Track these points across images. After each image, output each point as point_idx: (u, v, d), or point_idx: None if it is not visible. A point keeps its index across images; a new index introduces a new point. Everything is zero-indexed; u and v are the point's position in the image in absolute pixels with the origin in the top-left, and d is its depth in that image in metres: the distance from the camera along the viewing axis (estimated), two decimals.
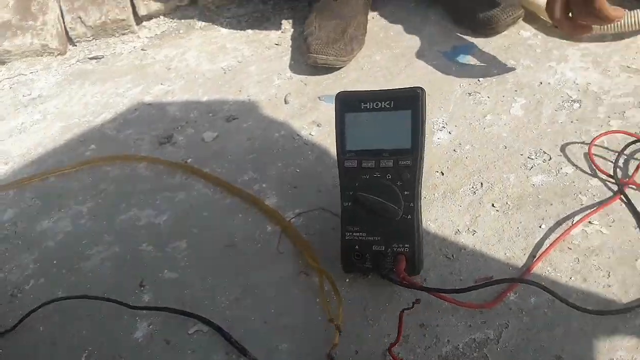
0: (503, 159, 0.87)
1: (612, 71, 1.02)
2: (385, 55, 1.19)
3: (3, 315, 0.75)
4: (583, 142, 0.87)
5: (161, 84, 1.24)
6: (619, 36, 1.08)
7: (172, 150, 1.03)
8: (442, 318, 0.66)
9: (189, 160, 1.00)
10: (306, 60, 1.16)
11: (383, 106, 0.65)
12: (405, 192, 0.65)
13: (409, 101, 0.64)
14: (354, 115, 0.67)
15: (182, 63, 1.30)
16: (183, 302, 0.73)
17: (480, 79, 1.07)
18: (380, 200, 0.65)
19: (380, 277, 0.68)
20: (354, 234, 0.68)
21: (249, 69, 1.24)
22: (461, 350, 0.62)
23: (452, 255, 0.73)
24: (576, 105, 0.96)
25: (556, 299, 0.64)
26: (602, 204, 0.76)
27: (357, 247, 0.69)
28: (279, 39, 1.32)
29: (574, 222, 0.74)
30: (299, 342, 0.66)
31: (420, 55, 1.17)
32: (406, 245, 0.67)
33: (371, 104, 0.65)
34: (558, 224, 0.75)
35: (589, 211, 0.75)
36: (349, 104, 0.67)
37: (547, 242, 0.72)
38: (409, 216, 0.66)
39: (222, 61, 1.28)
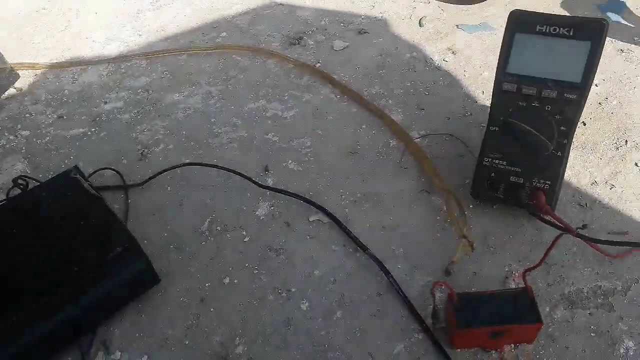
0: None
1: None
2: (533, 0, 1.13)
3: (133, 171, 0.80)
4: None
5: None
6: None
7: (302, 52, 1.04)
8: (569, 260, 0.64)
9: (317, 65, 1.00)
10: None
11: (561, 32, 0.61)
12: (562, 128, 0.63)
13: (591, 31, 0.60)
14: (526, 36, 0.63)
15: None
16: (305, 193, 0.75)
17: (636, 38, 1.00)
18: (533, 131, 0.63)
19: (518, 207, 0.66)
20: (494, 160, 0.67)
21: None
22: (585, 294, 0.61)
23: (586, 204, 0.71)
24: None
25: None
26: None
27: (493, 174, 0.67)
28: None
29: None
30: (416, 252, 0.67)
31: (570, 2, 1.10)
32: (547, 182, 0.65)
33: (548, 27, 0.61)
34: None
35: None
36: (522, 24, 0.63)
37: None
38: (559, 153, 0.63)
39: None
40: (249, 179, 0.74)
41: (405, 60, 1.00)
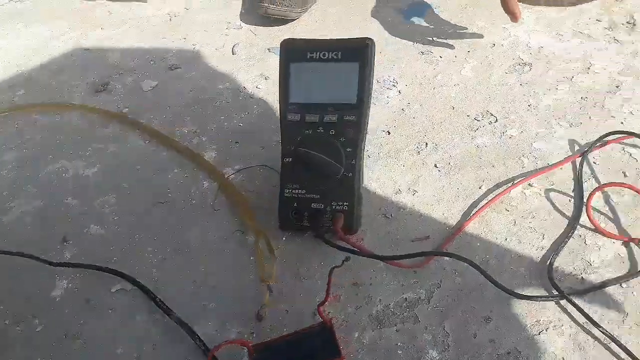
0: (450, 120, 0.87)
1: (564, 36, 1.02)
2: (340, 9, 1.16)
3: None
4: (530, 105, 0.87)
5: (101, 28, 1.17)
6: (573, 3, 1.08)
7: (108, 98, 0.99)
8: (376, 277, 0.65)
9: (124, 110, 0.95)
10: (257, 10, 1.12)
11: (330, 57, 0.62)
12: (348, 149, 0.64)
13: (357, 52, 0.62)
14: (299, 65, 0.64)
15: (125, 7, 1.23)
16: (108, 260, 0.70)
17: (435, 38, 1.05)
18: (322, 157, 0.64)
19: (314, 235, 0.66)
20: (294, 191, 0.67)
21: (197, 16, 1.19)
22: (392, 309, 0.62)
23: (391, 215, 0.73)
24: (526, 68, 0.95)
25: (489, 263, 0.64)
26: (545, 168, 0.76)
27: (295, 204, 0.67)
28: None
29: (514, 183, 0.74)
30: (228, 302, 0.65)
31: (376, 11, 1.14)
32: (345, 204, 0.66)
33: (318, 53, 0.63)
34: (497, 185, 0.75)
35: (530, 174, 0.75)
36: (294, 53, 0.64)
37: (484, 202, 0.72)
38: (350, 174, 0.65)
39: (168, 6, 1.22)
40: (37, 258, 0.68)
41: (217, 92, 0.98)
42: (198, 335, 0.60)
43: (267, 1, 1.09)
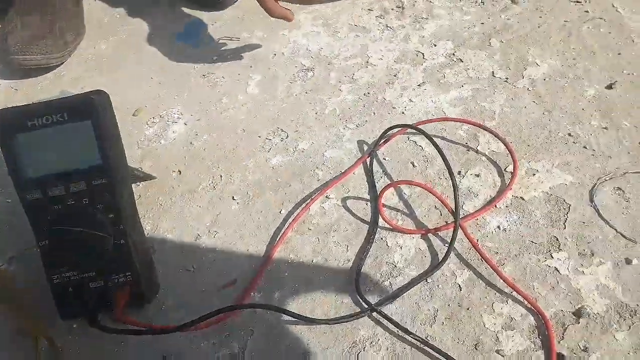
0: (242, 145, 0.84)
1: (341, 32, 1.04)
2: (112, 43, 1.08)
3: None
4: (317, 113, 0.87)
5: None
6: None
7: None
8: (184, 343, 0.60)
9: None
10: (10, 64, 1.00)
11: (56, 119, 0.55)
12: (110, 215, 0.57)
13: (86, 109, 0.55)
14: (23, 136, 0.55)
15: None
16: None
17: (215, 57, 1.02)
18: (82, 231, 0.56)
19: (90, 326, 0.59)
20: (63, 274, 0.59)
21: None
22: None
23: (193, 267, 0.68)
24: (310, 74, 0.96)
25: (300, 292, 0.62)
26: (338, 176, 0.76)
27: (70, 289, 0.59)
28: None
29: (312, 199, 0.73)
30: None
31: (150, 39, 1.08)
32: (128, 274, 0.60)
33: (40, 119, 0.55)
34: (297, 205, 0.73)
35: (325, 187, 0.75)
36: (14, 124, 0.55)
37: (285, 228, 0.70)
38: (122, 240, 0.58)
39: None
40: None
41: None
42: None
43: (16, 52, 0.97)
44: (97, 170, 0.56)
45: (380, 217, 0.69)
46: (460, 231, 0.65)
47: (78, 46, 1.07)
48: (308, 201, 0.73)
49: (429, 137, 0.72)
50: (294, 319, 0.59)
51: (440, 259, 0.65)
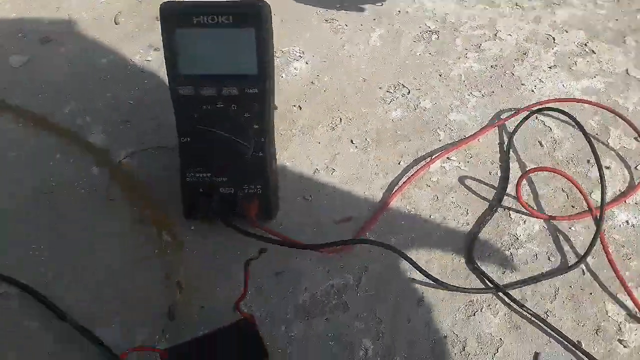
0: (362, 93, 0.84)
1: (468, 2, 1.02)
2: None
3: None
4: (441, 75, 0.86)
5: None
6: None
7: None
8: (299, 264, 0.61)
9: None
10: None
11: (221, 21, 0.54)
12: (255, 126, 0.58)
13: (251, 17, 0.55)
14: (185, 31, 0.55)
15: None
16: None
17: (338, 5, 1.01)
18: (225, 135, 0.57)
19: (224, 225, 0.60)
20: (197, 174, 0.60)
21: None
22: (319, 297, 0.58)
23: (310, 196, 0.69)
24: (434, 36, 0.95)
25: (415, 242, 0.62)
26: (462, 140, 0.75)
27: (201, 189, 0.61)
28: None
29: (432, 158, 0.72)
30: (133, 302, 0.58)
31: None
32: (258, 187, 0.61)
33: (205, 18, 0.54)
34: (416, 161, 0.73)
35: (448, 147, 0.74)
36: (177, 18, 0.55)
37: (405, 179, 0.70)
38: (261, 153, 0.59)
39: None
40: None
41: (101, 67, 0.88)
42: (101, 341, 0.53)
43: None
44: (251, 78, 0.56)
45: (511, 192, 0.67)
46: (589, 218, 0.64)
47: None
48: (428, 159, 0.73)
49: (580, 126, 0.70)
50: (408, 265, 0.59)
51: (568, 246, 0.63)
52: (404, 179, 0.70)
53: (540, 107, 0.77)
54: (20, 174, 0.70)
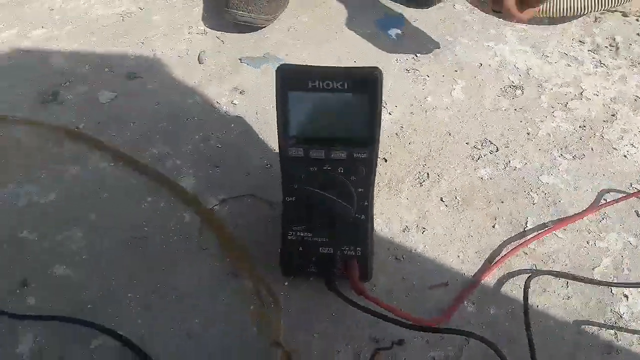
0: (448, 147, 0.83)
1: (551, 57, 1.02)
2: (313, 17, 1.10)
3: None
4: (529, 134, 0.85)
5: (42, 27, 1.05)
6: (553, 21, 1.08)
7: (59, 111, 0.88)
8: (397, 332, 0.60)
9: (81, 126, 0.85)
10: (224, 16, 1.04)
11: (336, 87, 0.55)
12: (360, 189, 0.58)
13: (367, 84, 0.56)
14: (299, 94, 0.56)
15: (69, 4, 1.11)
16: (80, 307, 0.61)
17: (418, 55, 1.01)
18: (330, 197, 0.58)
19: (327, 288, 0.60)
20: (298, 233, 0.61)
21: (153, 17, 1.08)
22: None
23: (402, 257, 0.68)
24: (519, 92, 0.94)
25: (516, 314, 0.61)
26: (569, 218, 0.73)
27: (301, 248, 0.61)
28: None
29: (539, 233, 0.70)
30: (230, 358, 0.57)
31: (351, 20, 1.09)
32: (358, 249, 0.61)
33: (321, 83, 0.55)
34: (512, 225, 0.72)
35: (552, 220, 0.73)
36: (293, 81, 0.57)
37: (500, 243, 0.69)
38: (362, 216, 0.59)
39: (119, 5, 1.11)
40: None
41: (187, 107, 0.89)
42: None
43: (234, 6, 1.01)
44: (361, 144, 0.57)
45: None
46: None
47: (281, 14, 1.10)
48: (534, 234, 0.70)
49: None
50: (511, 337, 0.58)
51: None
52: (504, 252, 0.69)
53: None
54: (113, 217, 0.72)
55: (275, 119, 0.57)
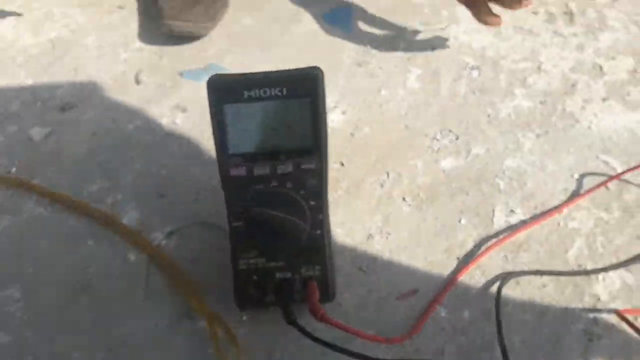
0: (407, 142, 0.80)
1: (505, 32, 0.99)
2: (257, 19, 1.06)
3: None
4: (489, 117, 0.83)
5: None
6: None
7: None
8: (371, 350, 0.56)
9: (12, 170, 0.80)
10: (160, 29, 1.00)
11: (274, 94, 0.52)
12: (312, 202, 0.55)
13: (307, 86, 0.52)
14: (235, 107, 0.53)
15: None
16: None
17: (369, 46, 0.98)
18: (281, 216, 0.54)
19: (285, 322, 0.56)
20: (250, 260, 0.57)
21: (86, 40, 1.03)
22: None
23: (367, 267, 0.65)
24: (475, 73, 0.91)
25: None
26: (547, 213, 0.69)
27: (255, 277, 0.57)
28: (122, 0, 1.12)
29: (515, 231, 0.67)
30: None
31: (297, 18, 1.06)
32: (317, 267, 0.57)
33: (257, 91, 0.52)
34: (479, 217, 0.69)
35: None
36: (227, 92, 0.53)
37: (471, 240, 0.66)
38: (319, 231, 0.56)
39: (50, 31, 1.06)
40: None
41: (127, 134, 0.85)
42: None
43: (170, 17, 0.97)
44: (307, 153, 0.54)
45: None
46: None
47: (223, 18, 1.06)
48: (508, 233, 0.67)
49: None
50: (486, 340, 0.55)
51: None
52: (470, 241, 0.66)
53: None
54: (53, 268, 0.67)
55: None
